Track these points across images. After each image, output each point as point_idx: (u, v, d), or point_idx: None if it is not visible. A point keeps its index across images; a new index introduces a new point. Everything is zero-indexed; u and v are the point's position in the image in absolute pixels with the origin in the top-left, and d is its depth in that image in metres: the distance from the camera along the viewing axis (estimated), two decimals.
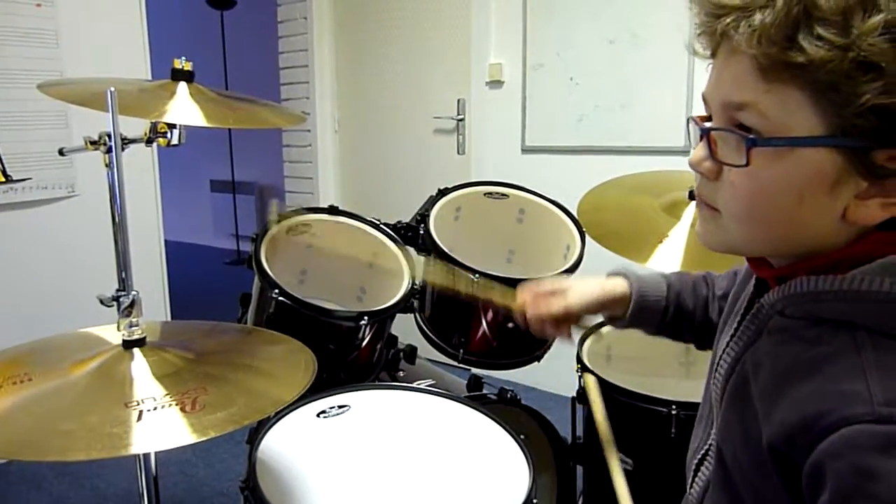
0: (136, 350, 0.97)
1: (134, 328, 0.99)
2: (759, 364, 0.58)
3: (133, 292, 1.04)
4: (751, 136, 0.52)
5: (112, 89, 1.00)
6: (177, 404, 0.85)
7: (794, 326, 0.57)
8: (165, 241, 2.88)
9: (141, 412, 0.83)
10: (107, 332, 1.06)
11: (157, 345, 1.01)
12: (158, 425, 0.81)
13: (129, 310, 1.02)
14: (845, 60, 0.46)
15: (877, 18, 0.46)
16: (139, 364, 0.94)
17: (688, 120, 0.60)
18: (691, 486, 0.71)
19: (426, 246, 1.51)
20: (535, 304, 0.89)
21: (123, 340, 0.98)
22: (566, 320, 0.90)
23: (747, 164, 0.52)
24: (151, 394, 0.87)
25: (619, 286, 0.88)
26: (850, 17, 0.46)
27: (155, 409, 0.84)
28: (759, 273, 0.64)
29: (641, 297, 0.87)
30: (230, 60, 5.15)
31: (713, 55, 0.56)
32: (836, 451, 0.47)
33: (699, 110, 0.60)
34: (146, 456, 1.18)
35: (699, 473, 0.70)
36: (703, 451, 0.69)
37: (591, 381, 1.03)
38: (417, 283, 1.49)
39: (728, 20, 0.51)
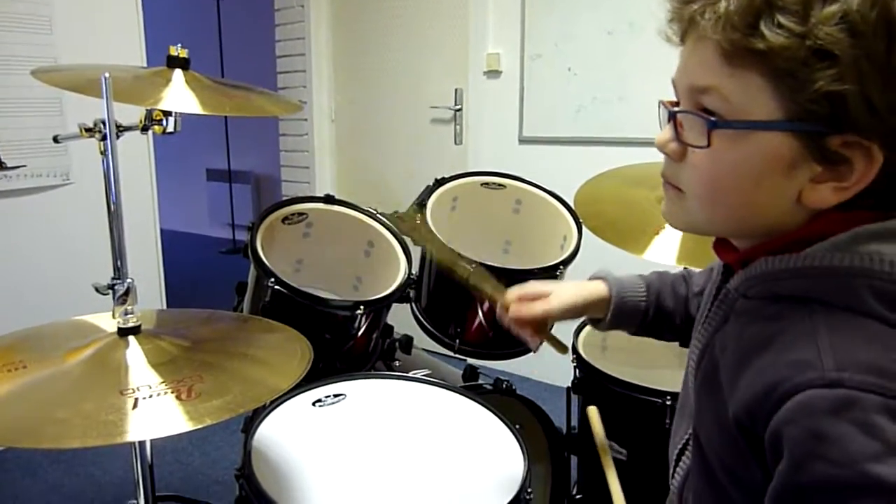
0: (131, 338, 0.97)
1: (129, 316, 0.99)
2: (726, 347, 0.60)
3: (128, 280, 1.04)
4: (713, 118, 0.54)
5: (107, 75, 0.99)
6: (172, 392, 0.85)
7: (756, 307, 0.59)
8: (161, 229, 2.87)
9: (136, 400, 0.83)
10: (102, 319, 1.06)
11: (153, 333, 1.00)
12: (154, 413, 0.81)
13: (125, 298, 1.02)
14: (802, 48, 0.48)
15: (833, 8, 0.47)
16: (134, 352, 0.94)
17: (658, 104, 0.61)
18: (673, 476, 0.72)
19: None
20: (518, 306, 0.90)
21: (118, 328, 0.98)
22: (545, 324, 0.92)
23: (708, 146, 0.55)
24: (147, 381, 0.87)
25: (599, 289, 0.90)
26: (810, 6, 0.48)
27: (150, 396, 0.84)
28: (723, 258, 0.66)
29: (621, 300, 0.88)
30: (226, 48, 5.12)
31: (682, 41, 0.57)
32: (790, 418, 0.49)
33: None
34: (141, 444, 1.18)
35: (680, 463, 0.71)
36: (683, 441, 0.70)
37: (593, 413, 1.03)
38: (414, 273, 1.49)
39: (695, 7, 0.53)
